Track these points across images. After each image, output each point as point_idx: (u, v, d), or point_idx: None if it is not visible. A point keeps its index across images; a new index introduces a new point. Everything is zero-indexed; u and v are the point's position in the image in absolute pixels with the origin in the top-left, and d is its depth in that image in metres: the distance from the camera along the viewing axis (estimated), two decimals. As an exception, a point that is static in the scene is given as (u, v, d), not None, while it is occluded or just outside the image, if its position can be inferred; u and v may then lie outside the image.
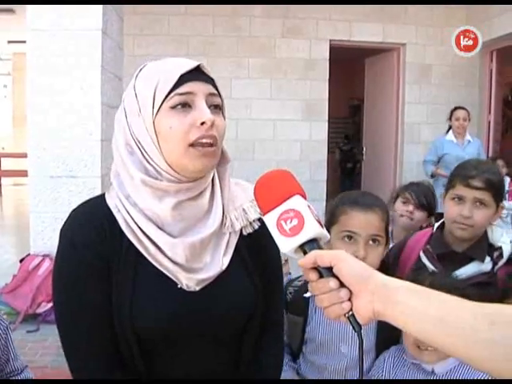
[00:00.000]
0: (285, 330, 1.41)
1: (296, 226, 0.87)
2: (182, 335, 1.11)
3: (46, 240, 4.12)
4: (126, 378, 1.10)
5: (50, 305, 3.91)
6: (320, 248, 0.88)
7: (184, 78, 1.05)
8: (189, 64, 1.07)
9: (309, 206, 0.89)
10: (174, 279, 1.09)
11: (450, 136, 5.53)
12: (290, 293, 1.64)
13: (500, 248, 1.72)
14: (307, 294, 1.59)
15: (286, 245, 0.87)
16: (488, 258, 1.71)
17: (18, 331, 3.75)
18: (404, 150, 7.17)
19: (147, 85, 1.07)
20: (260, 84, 6.81)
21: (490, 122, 7.08)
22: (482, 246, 1.73)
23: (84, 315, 1.08)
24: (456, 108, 5.61)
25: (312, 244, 0.87)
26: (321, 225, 0.88)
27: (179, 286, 1.10)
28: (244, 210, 1.18)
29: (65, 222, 1.13)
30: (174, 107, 1.05)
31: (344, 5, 6.69)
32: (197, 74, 1.07)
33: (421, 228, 2.45)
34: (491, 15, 6.43)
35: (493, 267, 1.70)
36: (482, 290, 1.56)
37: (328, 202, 1.68)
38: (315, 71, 6.91)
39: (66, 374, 1.11)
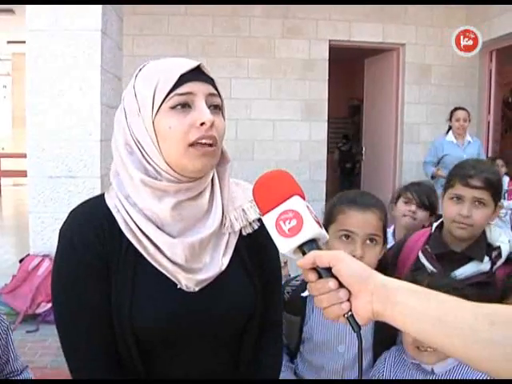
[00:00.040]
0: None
1: (295, 226, 0.87)
2: (181, 335, 1.11)
3: (46, 240, 4.12)
4: (125, 377, 1.11)
5: (50, 305, 3.91)
6: (319, 248, 0.88)
7: (184, 78, 1.05)
8: (189, 64, 1.07)
9: (308, 207, 0.89)
10: (173, 279, 1.09)
11: (450, 137, 5.52)
12: (288, 292, 1.64)
13: (498, 248, 1.72)
14: (305, 294, 1.59)
15: (284, 245, 0.87)
16: (487, 258, 1.71)
17: (18, 331, 3.75)
18: (403, 150, 7.17)
19: (147, 85, 1.06)
20: (259, 84, 6.81)
21: (489, 122, 7.08)
22: (481, 246, 1.73)
23: (83, 315, 1.08)
24: (456, 108, 5.60)
25: (311, 244, 0.87)
26: (320, 225, 0.88)
27: (178, 287, 1.09)
28: (243, 210, 1.17)
29: (64, 222, 1.13)
30: (173, 107, 1.05)
31: (344, 5, 6.69)
32: (197, 73, 1.07)
33: (423, 227, 2.45)
34: (491, 15, 6.43)
35: (491, 267, 1.70)
36: (481, 290, 1.56)
37: (327, 202, 1.68)
38: (315, 71, 6.90)
39: (66, 374, 1.11)
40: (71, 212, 1.15)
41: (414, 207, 2.61)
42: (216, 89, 1.10)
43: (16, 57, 12.12)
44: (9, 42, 10.91)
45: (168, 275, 1.09)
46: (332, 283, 0.83)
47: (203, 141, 1.05)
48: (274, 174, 0.95)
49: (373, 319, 0.82)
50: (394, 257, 1.88)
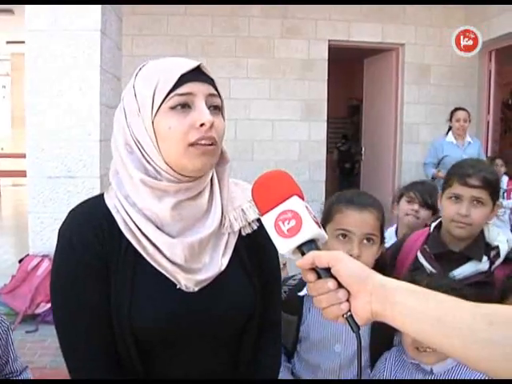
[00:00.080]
0: None
1: (294, 226, 0.87)
2: (180, 335, 1.11)
3: (45, 240, 4.12)
4: (124, 378, 1.11)
5: (49, 305, 3.90)
6: (318, 249, 0.88)
7: (184, 79, 1.04)
8: (189, 64, 1.07)
9: (307, 207, 0.89)
10: (172, 280, 1.09)
11: (450, 137, 5.49)
12: (285, 292, 1.65)
13: (497, 247, 1.72)
14: (301, 293, 1.59)
15: (283, 246, 0.87)
16: (485, 258, 1.71)
17: (17, 331, 3.74)
18: (403, 150, 7.17)
19: (147, 84, 1.06)
20: (259, 84, 6.81)
21: (488, 122, 7.08)
22: (479, 246, 1.74)
23: (82, 315, 1.08)
24: (456, 109, 5.57)
25: (310, 245, 0.87)
26: (319, 225, 0.88)
27: (178, 287, 1.09)
28: (243, 210, 1.17)
29: (63, 222, 1.13)
30: (173, 108, 1.04)
31: (343, 5, 6.69)
32: (197, 74, 1.07)
33: (425, 226, 2.47)
34: (490, 15, 6.43)
35: (490, 266, 1.71)
36: (480, 290, 1.57)
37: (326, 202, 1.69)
38: (314, 71, 6.90)
39: (65, 375, 1.11)
40: (70, 212, 1.15)
41: (416, 206, 2.62)
42: (216, 89, 1.10)
43: (15, 57, 12.11)
44: (8, 42, 10.90)
45: (167, 275, 1.09)
46: (331, 283, 0.83)
47: (203, 141, 1.05)
48: (272, 175, 0.95)
49: (372, 319, 0.83)
50: (392, 257, 1.88)
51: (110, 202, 1.12)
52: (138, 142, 1.07)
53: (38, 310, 4.05)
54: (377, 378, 1.55)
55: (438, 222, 1.86)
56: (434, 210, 2.62)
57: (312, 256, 0.85)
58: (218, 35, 6.67)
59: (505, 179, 5.34)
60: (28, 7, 4.07)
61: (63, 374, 1.11)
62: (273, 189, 0.91)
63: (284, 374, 1.60)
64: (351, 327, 0.83)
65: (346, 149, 11.45)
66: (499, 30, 6.28)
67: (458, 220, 1.71)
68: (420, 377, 1.50)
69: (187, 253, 1.08)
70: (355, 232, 1.52)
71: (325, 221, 1.58)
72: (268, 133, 6.87)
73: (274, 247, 0.89)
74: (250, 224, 1.17)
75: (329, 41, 6.91)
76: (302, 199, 0.91)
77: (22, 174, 4.69)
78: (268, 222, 0.89)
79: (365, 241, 1.53)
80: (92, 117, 4.11)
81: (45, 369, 3.27)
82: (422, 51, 7.05)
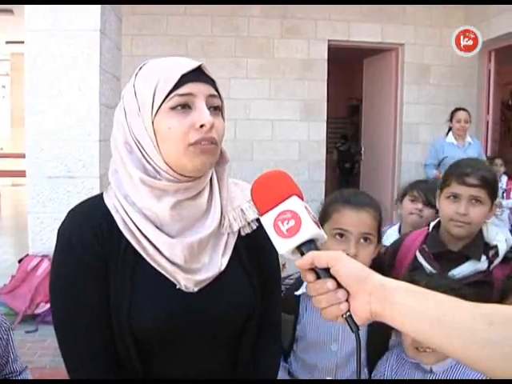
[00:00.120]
0: None
1: (293, 227, 0.87)
2: (180, 335, 1.11)
3: (45, 240, 4.12)
4: (123, 377, 1.10)
5: (49, 305, 3.89)
6: (317, 249, 0.88)
7: (184, 79, 1.04)
8: (190, 64, 1.06)
9: (306, 207, 0.89)
10: (172, 280, 1.09)
11: (451, 138, 5.46)
12: (282, 291, 1.65)
13: (495, 246, 1.72)
14: (298, 292, 1.60)
15: (283, 246, 0.87)
16: (484, 257, 1.72)
17: (17, 332, 3.74)
18: (402, 150, 7.17)
19: (147, 84, 1.06)
20: (258, 84, 6.81)
21: (488, 122, 7.08)
22: (478, 245, 1.74)
23: (82, 315, 1.08)
24: (457, 109, 5.54)
25: (309, 245, 0.87)
26: (318, 226, 0.88)
27: (177, 287, 1.09)
28: (242, 210, 1.17)
29: (62, 222, 1.13)
30: (173, 108, 1.04)
31: (342, 5, 6.69)
32: (198, 74, 1.07)
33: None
34: (490, 15, 6.43)
35: (488, 266, 1.71)
36: (479, 289, 1.57)
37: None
38: (314, 71, 6.91)
39: (65, 375, 1.11)
40: (69, 212, 1.15)
41: (420, 205, 2.63)
42: (216, 90, 1.10)
43: (15, 57, 12.11)
44: (7, 43, 10.91)
45: (167, 275, 1.09)
46: (330, 284, 0.83)
47: (203, 142, 1.05)
48: (272, 175, 0.95)
49: (371, 319, 0.83)
50: (391, 256, 1.89)
51: (110, 201, 1.12)
52: (138, 142, 1.07)
53: (38, 310, 4.06)
54: (378, 377, 1.55)
55: (436, 221, 1.87)
56: (438, 209, 2.63)
57: (311, 256, 0.85)
58: (217, 35, 6.67)
59: (504, 179, 5.34)
60: (27, 7, 4.07)
61: (63, 374, 1.11)
62: (272, 189, 0.91)
63: (281, 374, 1.60)
64: (350, 327, 0.83)
65: (345, 149, 11.45)
66: (499, 30, 6.29)
67: (457, 219, 1.71)
68: (420, 376, 1.50)
69: (187, 253, 1.08)
70: (352, 231, 1.52)
71: (322, 220, 1.58)
72: (268, 133, 6.87)
73: (274, 247, 0.89)
74: (249, 224, 1.17)
75: (328, 41, 6.91)
76: (302, 199, 0.91)
77: (22, 174, 4.69)
78: (267, 222, 0.89)
79: (362, 240, 1.53)
80: (91, 117, 4.11)
81: (44, 369, 3.27)
82: (422, 51, 7.06)
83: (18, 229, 7.28)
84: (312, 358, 1.58)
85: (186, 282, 1.09)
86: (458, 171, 1.76)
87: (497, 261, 1.71)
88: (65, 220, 1.13)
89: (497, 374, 0.72)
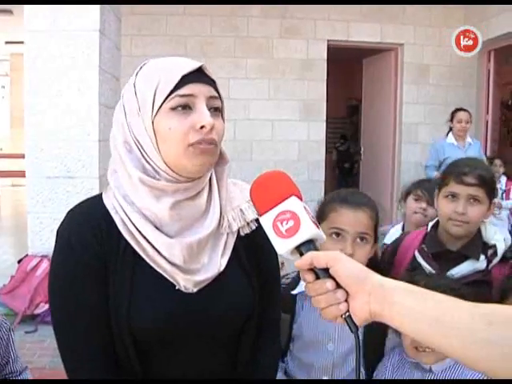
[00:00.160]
0: None
1: (292, 227, 0.87)
2: (179, 336, 1.11)
3: (44, 241, 4.12)
4: (122, 378, 1.10)
5: (48, 305, 3.91)
6: (316, 249, 0.88)
7: (185, 79, 1.04)
8: (190, 65, 1.06)
9: (305, 208, 0.89)
10: (171, 280, 1.09)
11: (451, 139, 5.44)
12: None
13: (494, 246, 1.73)
14: (294, 292, 1.60)
15: (282, 246, 0.87)
16: (482, 256, 1.72)
17: (16, 332, 3.72)
18: (402, 150, 7.18)
19: (147, 84, 1.06)
20: (258, 84, 6.81)
21: (487, 122, 7.09)
22: (477, 244, 1.74)
23: (81, 315, 1.08)
24: (457, 110, 5.50)
25: (308, 245, 0.87)
26: (317, 226, 0.88)
27: (177, 288, 1.09)
28: (241, 210, 1.17)
29: (62, 222, 1.13)
30: (174, 108, 1.04)
31: (342, 5, 6.69)
32: (198, 75, 1.07)
33: None
34: (489, 15, 6.43)
35: (487, 265, 1.71)
36: (477, 289, 1.57)
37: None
38: (313, 71, 6.91)
39: (64, 375, 1.11)
40: (69, 212, 1.14)
41: (424, 204, 2.64)
42: (217, 90, 1.10)
43: (14, 57, 12.11)
44: (7, 43, 10.91)
45: (166, 276, 1.09)
46: (329, 284, 0.83)
47: (202, 144, 1.05)
48: (271, 175, 0.95)
49: (370, 319, 0.83)
50: (390, 256, 1.89)
51: (109, 202, 1.12)
52: (138, 142, 1.07)
53: (38, 311, 4.06)
54: (379, 377, 1.56)
55: (435, 221, 1.87)
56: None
57: (310, 256, 0.85)
58: (217, 35, 6.67)
59: (503, 180, 5.34)
60: (27, 7, 4.07)
61: (62, 374, 1.11)
62: (271, 189, 0.91)
63: (278, 374, 1.60)
64: (350, 327, 0.83)
65: (344, 149, 11.46)
66: (498, 30, 6.29)
67: (455, 218, 1.72)
68: (419, 375, 1.51)
69: (186, 253, 1.08)
70: (349, 231, 1.52)
71: (319, 219, 1.58)
72: (267, 133, 6.87)
73: (273, 247, 0.89)
74: (248, 224, 1.17)
75: (328, 41, 6.91)
76: (301, 199, 0.91)
77: (21, 174, 4.69)
78: (266, 222, 0.89)
79: (358, 240, 1.53)
80: (91, 117, 4.11)
81: (44, 369, 3.27)
82: (421, 51, 7.06)
83: (18, 229, 7.29)
84: (308, 358, 1.59)
85: (186, 283, 1.09)
86: (456, 170, 1.76)
87: (495, 260, 1.72)
88: (64, 220, 1.13)
89: (496, 374, 0.72)
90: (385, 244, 2.40)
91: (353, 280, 0.83)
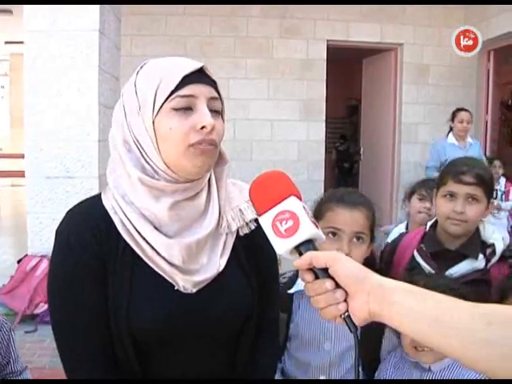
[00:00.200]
0: None
1: (291, 227, 0.87)
2: (178, 336, 1.11)
3: (44, 241, 4.12)
4: (121, 378, 1.10)
5: (47, 305, 3.91)
6: (315, 249, 0.88)
7: (186, 80, 1.04)
8: (192, 65, 1.06)
9: (304, 207, 0.89)
10: (170, 281, 1.09)
11: (452, 139, 5.42)
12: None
13: (493, 245, 1.73)
14: (291, 291, 1.60)
15: (281, 246, 0.87)
16: (481, 256, 1.72)
17: (16, 332, 3.71)
18: (401, 150, 7.18)
19: (148, 84, 1.06)
20: (257, 84, 6.81)
21: (487, 122, 7.09)
22: (475, 244, 1.75)
23: (80, 316, 1.08)
24: (459, 110, 5.48)
25: (307, 245, 0.87)
26: (316, 226, 0.88)
27: (176, 288, 1.09)
28: (241, 210, 1.17)
29: (61, 222, 1.13)
30: (174, 108, 1.04)
31: (342, 5, 6.69)
32: (199, 75, 1.07)
33: None
34: (489, 15, 6.44)
35: (486, 264, 1.72)
36: (476, 288, 1.58)
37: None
38: (313, 71, 6.91)
39: (64, 375, 1.11)
40: (68, 212, 1.14)
41: (428, 204, 2.65)
42: (217, 91, 1.10)
43: (14, 57, 12.11)
44: (7, 43, 10.91)
45: (165, 277, 1.09)
46: (329, 284, 0.83)
47: (203, 144, 1.04)
48: (270, 175, 0.95)
49: (369, 319, 0.83)
50: (389, 256, 1.89)
51: (107, 202, 1.11)
52: (137, 141, 1.07)
53: (37, 311, 4.06)
54: (381, 377, 1.56)
55: (434, 220, 1.88)
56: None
57: (309, 256, 0.85)
58: (216, 35, 6.68)
59: (503, 181, 5.33)
60: (26, 7, 4.07)
61: (62, 374, 1.11)
62: (270, 189, 0.91)
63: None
64: (349, 327, 0.83)
65: (344, 149, 11.46)
66: (498, 30, 6.29)
67: (454, 217, 1.72)
68: (418, 374, 1.51)
69: (185, 253, 1.08)
70: (345, 230, 1.52)
71: (315, 219, 1.58)
72: (267, 133, 6.88)
73: (272, 247, 0.89)
74: (247, 224, 1.17)
75: (327, 41, 6.92)
76: (300, 199, 0.91)
77: (21, 174, 4.69)
78: (265, 222, 0.89)
79: (354, 239, 1.53)
80: (90, 117, 4.11)
81: (44, 369, 3.26)
82: (421, 51, 7.06)
83: (18, 229, 7.29)
84: (305, 357, 1.59)
85: (185, 283, 1.09)
86: (454, 170, 1.77)
87: (494, 259, 1.72)
88: (63, 220, 1.13)
89: (496, 374, 0.72)
90: (387, 243, 2.41)
91: (352, 280, 0.83)
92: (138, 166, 1.07)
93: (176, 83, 1.03)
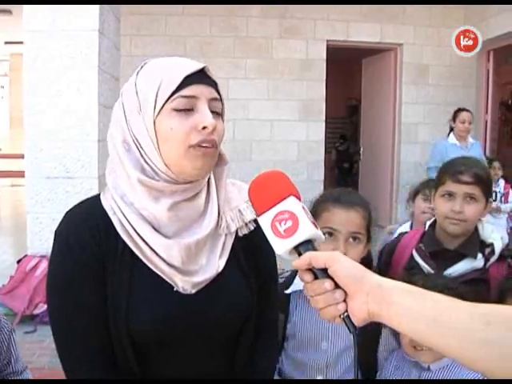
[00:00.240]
0: None
1: (290, 227, 0.87)
2: (177, 337, 1.11)
3: (44, 241, 4.12)
4: (120, 378, 1.10)
5: (47, 306, 3.90)
6: (315, 249, 0.88)
7: (187, 80, 1.04)
8: (193, 66, 1.06)
9: (303, 208, 0.89)
10: (169, 282, 1.09)
11: (453, 139, 5.41)
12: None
13: (491, 244, 1.73)
14: (288, 291, 1.60)
15: (280, 246, 0.87)
16: (480, 255, 1.73)
17: (16, 332, 3.73)
18: (401, 150, 7.19)
19: (149, 84, 1.05)
20: (257, 84, 6.81)
21: (487, 122, 7.09)
22: (474, 243, 1.75)
23: (79, 316, 1.07)
24: (460, 110, 5.47)
25: (307, 245, 0.87)
26: (315, 226, 0.88)
27: (175, 289, 1.09)
28: (240, 210, 1.17)
29: (60, 223, 1.12)
30: (176, 109, 1.04)
31: (341, 5, 6.69)
32: (201, 76, 1.06)
33: None
34: (488, 15, 6.44)
35: (485, 264, 1.72)
36: (475, 287, 1.58)
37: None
38: (312, 71, 6.91)
39: (64, 375, 1.11)
40: (67, 212, 1.14)
41: (433, 204, 2.65)
42: (218, 92, 1.10)
43: (14, 57, 12.10)
44: (6, 43, 10.91)
45: (164, 277, 1.09)
46: (328, 284, 0.83)
47: (204, 144, 1.04)
48: (269, 175, 0.95)
49: (369, 320, 0.83)
50: (388, 255, 1.90)
51: (106, 203, 1.11)
52: (137, 141, 1.07)
53: (37, 311, 4.05)
54: (382, 376, 1.57)
55: (432, 220, 1.88)
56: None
57: (309, 256, 0.85)
58: (216, 35, 6.68)
59: (502, 183, 5.33)
60: (26, 7, 4.07)
61: (62, 374, 1.11)
62: (269, 189, 0.91)
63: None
64: (348, 328, 0.83)
65: (344, 149, 11.47)
66: (497, 30, 6.30)
67: (452, 217, 1.73)
68: (417, 373, 1.52)
69: (184, 254, 1.08)
70: (341, 230, 1.52)
71: None
72: (266, 133, 6.88)
73: (271, 247, 0.89)
74: (246, 225, 1.17)
75: (327, 41, 6.92)
76: (299, 200, 0.91)
77: (21, 174, 4.68)
78: (265, 222, 0.89)
79: (350, 239, 1.53)
80: (90, 117, 4.11)
81: (43, 369, 3.26)
82: (421, 51, 7.07)
83: (17, 229, 7.29)
84: (302, 357, 1.59)
85: (184, 284, 1.09)
86: (452, 169, 1.77)
87: (493, 259, 1.72)
88: (62, 220, 1.13)
89: (494, 374, 0.72)
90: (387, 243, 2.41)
91: (351, 280, 0.83)
92: (137, 167, 1.07)
93: (178, 83, 1.03)
